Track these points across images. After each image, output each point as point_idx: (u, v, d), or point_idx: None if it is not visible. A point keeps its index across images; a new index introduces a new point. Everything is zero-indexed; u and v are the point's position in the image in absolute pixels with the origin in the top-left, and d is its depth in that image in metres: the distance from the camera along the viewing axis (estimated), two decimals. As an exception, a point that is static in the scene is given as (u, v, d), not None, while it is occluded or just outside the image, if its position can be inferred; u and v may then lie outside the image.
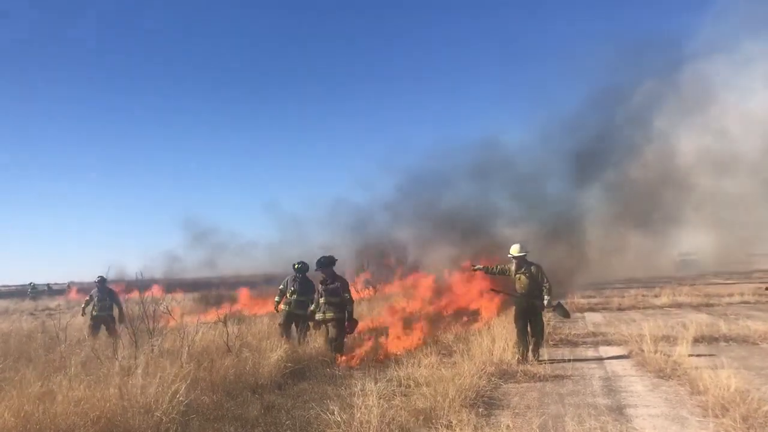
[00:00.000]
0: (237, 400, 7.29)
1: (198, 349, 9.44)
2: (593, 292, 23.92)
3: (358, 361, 10.01)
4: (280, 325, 11.67)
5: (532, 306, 10.16)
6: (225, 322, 10.89)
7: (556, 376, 8.77)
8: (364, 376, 8.36)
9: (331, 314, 10.43)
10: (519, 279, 10.29)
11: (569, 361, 9.98)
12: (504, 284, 11.11)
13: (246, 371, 8.34)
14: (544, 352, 10.47)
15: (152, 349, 9.26)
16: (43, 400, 6.27)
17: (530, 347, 10.04)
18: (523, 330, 10.12)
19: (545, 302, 10.10)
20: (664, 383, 8.07)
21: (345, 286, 10.67)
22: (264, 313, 17.32)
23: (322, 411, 6.40)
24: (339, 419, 5.96)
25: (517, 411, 6.79)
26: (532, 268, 10.27)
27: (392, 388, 7.93)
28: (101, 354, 9.58)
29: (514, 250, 10.34)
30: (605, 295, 23.35)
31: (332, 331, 10.39)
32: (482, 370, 8.53)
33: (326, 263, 10.67)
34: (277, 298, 12.03)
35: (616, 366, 9.48)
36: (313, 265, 11.11)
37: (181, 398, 6.51)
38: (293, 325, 11.65)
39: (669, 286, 24.77)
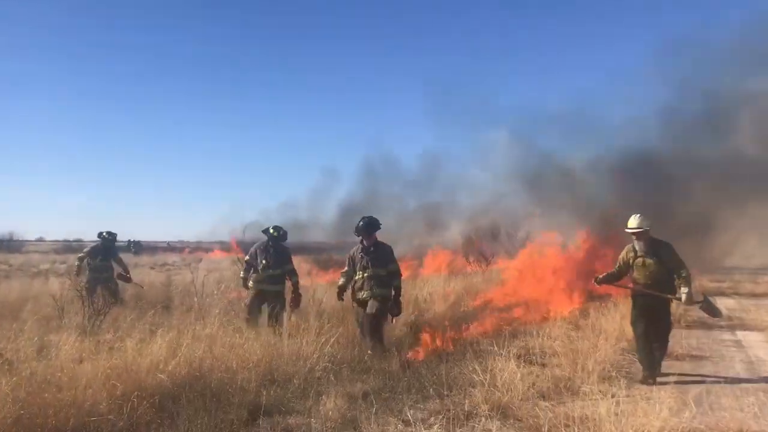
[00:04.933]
0: (378, 357, 7.86)
1: (326, 308, 10.13)
2: (720, 276, 23.03)
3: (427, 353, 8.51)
4: (246, 305, 9.86)
5: (658, 303, 7.82)
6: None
7: (694, 357, 8.79)
8: (493, 344, 8.72)
9: (377, 290, 8.43)
10: (642, 264, 7.90)
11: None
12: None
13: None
14: (675, 343, 9.11)
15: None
16: (208, 342, 7.07)
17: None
18: (644, 337, 7.76)
19: (683, 297, 7.68)
20: (817, 371, 7.92)
21: (390, 256, 8.73)
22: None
23: (465, 370, 6.84)
24: (483, 379, 6.35)
25: (658, 385, 6.94)
26: (660, 250, 7.87)
27: (524, 356, 8.26)
28: (235, 307, 10.53)
29: (633, 222, 7.95)
30: (734, 279, 22.46)
31: (373, 306, 8.36)
32: (615, 345, 8.67)
33: (369, 226, 8.72)
34: (243, 274, 10.27)
35: (759, 350, 9.34)
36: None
37: (330, 349, 7.17)
38: (264, 306, 9.78)
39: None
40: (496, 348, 7.72)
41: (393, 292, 8.55)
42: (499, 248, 23.80)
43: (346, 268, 8.94)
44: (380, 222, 8.84)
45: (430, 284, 14.84)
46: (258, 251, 10.08)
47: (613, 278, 8.29)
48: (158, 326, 8.44)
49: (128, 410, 5.29)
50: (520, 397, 6.08)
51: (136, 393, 5.50)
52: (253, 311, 9.64)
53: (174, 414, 5.43)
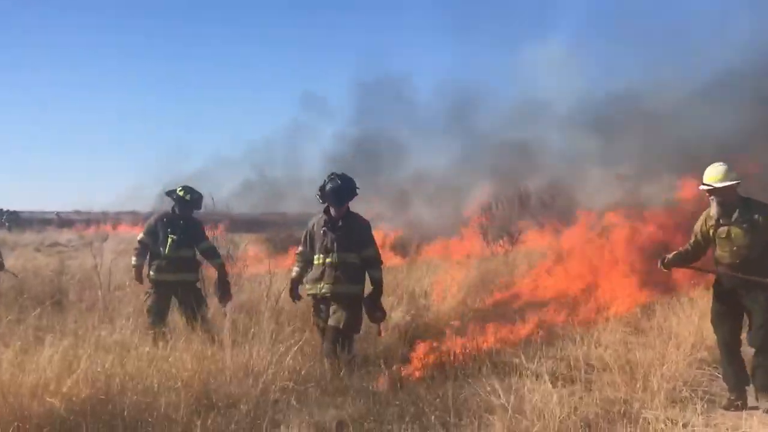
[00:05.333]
0: (358, 372, 8.01)
1: (285, 305, 10.18)
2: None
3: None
4: (148, 311, 9.80)
5: (751, 293, 7.58)
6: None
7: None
8: (520, 355, 8.81)
9: (344, 286, 8.26)
10: (726, 236, 7.66)
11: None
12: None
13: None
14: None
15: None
16: (117, 353, 7.11)
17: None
18: (729, 343, 7.75)
19: None
20: None
21: (368, 236, 8.57)
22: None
23: (480, 390, 6.91)
24: (504, 402, 6.41)
25: (750, 411, 7.04)
26: (755, 214, 7.54)
27: (562, 371, 8.35)
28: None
29: (714, 175, 7.59)
30: None
31: (340, 316, 8.22)
32: (690, 355, 8.76)
33: (341, 191, 8.38)
34: (135, 260, 10.11)
35: None
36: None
37: (291, 362, 7.25)
38: (173, 304, 9.92)
39: None
40: (523, 360, 7.84)
41: (374, 289, 8.46)
42: (528, 221, 23.85)
43: (300, 248, 8.80)
44: (357, 185, 8.57)
45: (432, 272, 14.94)
46: (159, 225, 9.91)
47: (686, 258, 8.09)
48: (47, 331, 8.48)
49: (5, 449, 5.33)
50: (556, 428, 6.12)
51: (16, 424, 5.55)
52: (158, 317, 9.59)
53: (71, 454, 5.48)
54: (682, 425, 5.96)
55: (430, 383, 7.71)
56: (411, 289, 12.81)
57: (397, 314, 10.03)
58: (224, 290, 9.82)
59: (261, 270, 14.18)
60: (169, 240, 9.68)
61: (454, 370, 8.27)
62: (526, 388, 6.77)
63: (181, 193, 9.87)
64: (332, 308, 8.26)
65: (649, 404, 6.89)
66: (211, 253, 10.07)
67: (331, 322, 8.21)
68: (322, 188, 8.38)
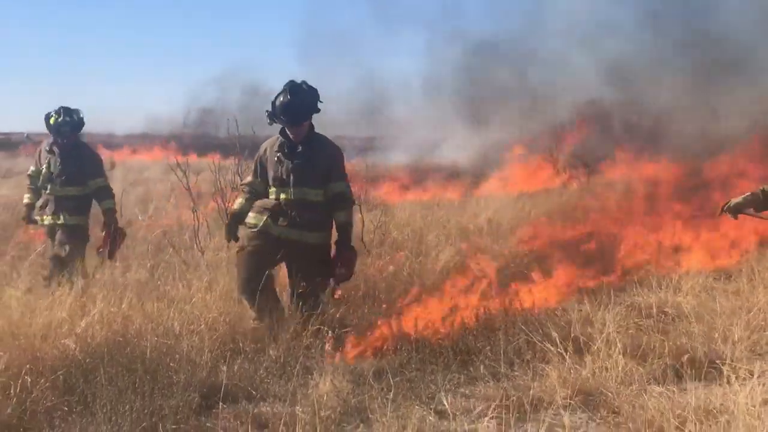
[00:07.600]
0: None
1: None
2: None
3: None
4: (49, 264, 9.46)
5: None
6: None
7: None
8: (584, 300, 9.08)
9: (299, 232, 7.68)
10: None
11: None
12: None
13: (404, 279, 9.46)
14: None
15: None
16: (135, 293, 7.63)
17: None
18: None
19: None
20: None
21: (338, 165, 7.89)
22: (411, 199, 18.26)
23: (535, 338, 7.30)
24: (562, 351, 6.80)
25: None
26: None
27: (633, 319, 8.60)
28: (174, 239, 11.03)
29: None
30: None
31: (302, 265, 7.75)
32: (783, 303, 9.00)
33: (296, 106, 7.56)
34: (28, 197, 10.03)
35: None
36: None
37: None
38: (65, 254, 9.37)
39: None
40: (587, 306, 8.15)
41: (341, 234, 7.86)
42: (610, 149, 23.73)
43: (249, 179, 8.22)
44: (319, 97, 7.74)
45: (489, 207, 15.18)
46: (41, 155, 9.77)
47: (759, 202, 7.35)
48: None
49: (17, 392, 5.66)
50: (619, 380, 6.43)
51: (28, 366, 5.89)
52: (56, 267, 9.22)
53: (88, 397, 5.86)
54: (758, 375, 6.11)
55: (479, 330, 7.97)
56: (464, 225, 13.13)
57: (444, 255, 10.38)
58: (112, 240, 9.46)
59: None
60: (41, 173, 9.59)
61: (506, 316, 8.46)
62: (588, 335, 7.16)
63: (53, 118, 9.44)
64: (293, 254, 7.73)
65: (729, 356, 7.03)
66: (102, 194, 9.61)
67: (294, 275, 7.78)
68: (273, 104, 7.63)
